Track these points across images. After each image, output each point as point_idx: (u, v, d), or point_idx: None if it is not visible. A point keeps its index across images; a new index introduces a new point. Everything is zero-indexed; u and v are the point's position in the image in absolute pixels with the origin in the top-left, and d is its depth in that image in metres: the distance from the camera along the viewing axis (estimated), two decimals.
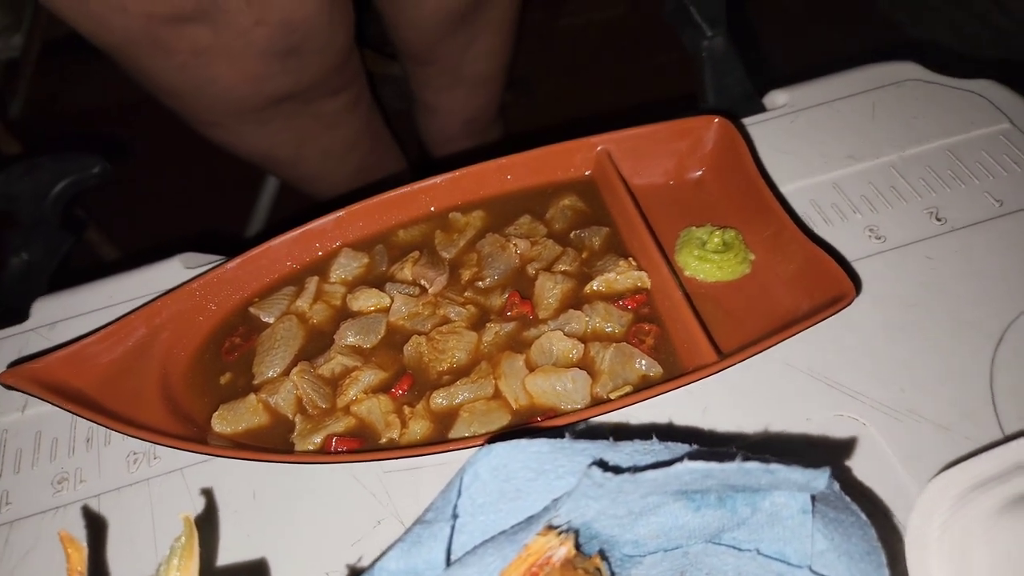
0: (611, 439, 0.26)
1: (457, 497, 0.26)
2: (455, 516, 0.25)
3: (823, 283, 0.35)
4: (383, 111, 0.86)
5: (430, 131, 0.96)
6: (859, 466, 0.33)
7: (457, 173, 0.42)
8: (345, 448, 0.34)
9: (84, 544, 0.27)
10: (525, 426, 0.32)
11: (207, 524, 0.34)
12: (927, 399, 0.34)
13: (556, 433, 0.27)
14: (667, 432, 0.34)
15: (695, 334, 0.35)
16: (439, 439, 0.34)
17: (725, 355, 0.34)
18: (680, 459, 0.24)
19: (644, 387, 0.34)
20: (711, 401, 0.35)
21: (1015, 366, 0.35)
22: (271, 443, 0.35)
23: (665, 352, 0.36)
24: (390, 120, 0.88)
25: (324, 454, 0.34)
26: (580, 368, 0.35)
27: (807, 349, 0.36)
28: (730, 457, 0.24)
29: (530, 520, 0.25)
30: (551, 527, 0.24)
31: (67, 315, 0.42)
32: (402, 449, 0.33)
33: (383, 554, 0.25)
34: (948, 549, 0.27)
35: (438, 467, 0.34)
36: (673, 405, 0.35)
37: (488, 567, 0.23)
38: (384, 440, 0.35)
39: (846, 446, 0.33)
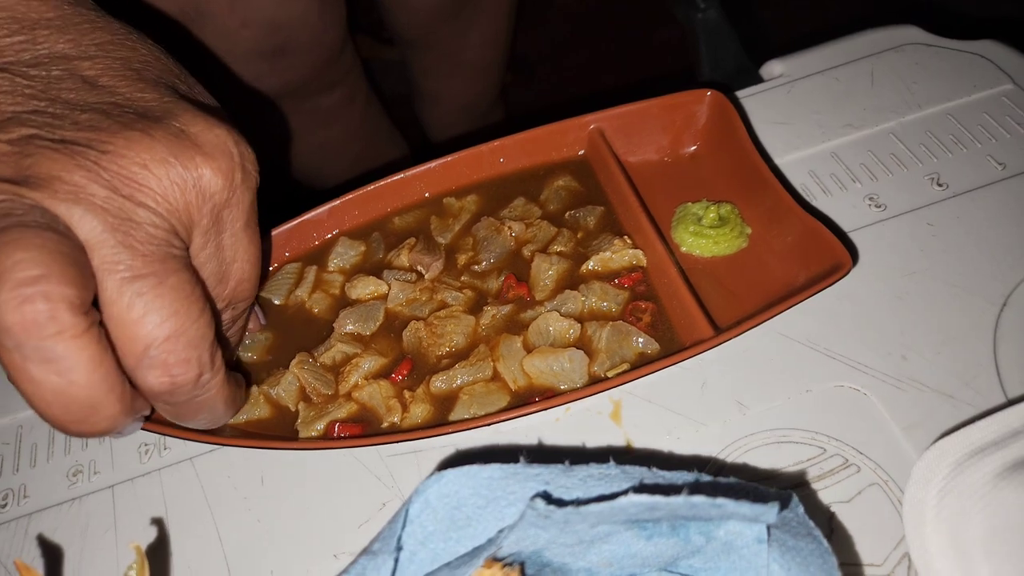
0: (567, 463, 0.26)
1: (403, 527, 0.26)
2: (399, 548, 0.25)
3: (820, 254, 0.35)
4: (382, 99, 0.86)
5: (430, 118, 0.96)
6: (860, 436, 0.33)
7: (450, 158, 0.42)
8: (348, 433, 0.35)
9: (40, 570, 0.27)
10: (523, 406, 0.33)
11: (217, 511, 0.34)
12: (929, 367, 0.34)
13: (512, 457, 0.27)
14: (623, 454, 0.33)
15: (692, 310, 0.35)
16: (440, 422, 0.35)
17: (722, 330, 0.33)
18: (626, 492, 0.23)
19: (641, 364, 0.34)
20: (709, 376, 0.35)
21: (1019, 332, 0.35)
22: (276, 432, 0.36)
23: (662, 329, 0.36)
24: (391, 106, 0.88)
25: (328, 440, 0.35)
26: (577, 348, 0.35)
27: (806, 321, 0.36)
28: (679, 489, 0.23)
29: (473, 552, 0.25)
30: (496, 559, 0.24)
31: None
32: (404, 433, 0.33)
33: None
34: (946, 516, 0.27)
35: (439, 449, 0.35)
36: (671, 382, 0.35)
37: None
38: (386, 424, 0.35)
39: (846, 416, 0.33)
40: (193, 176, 0.27)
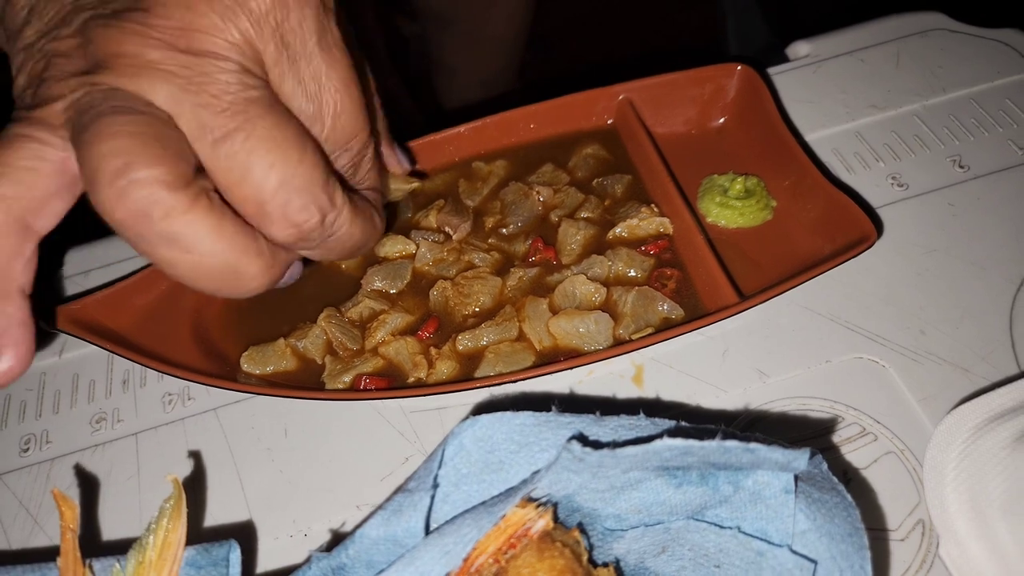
0: (597, 413, 0.27)
1: (439, 467, 0.26)
2: (435, 486, 0.26)
3: (845, 227, 0.36)
4: (400, 73, 0.86)
5: (449, 92, 0.96)
6: (878, 406, 0.33)
7: (481, 122, 0.42)
8: (374, 387, 0.35)
9: (76, 502, 0.27)
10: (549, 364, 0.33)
11: (240, 461, 0.35)
12: (947, 342, 0.35)
13: (543, 408, 0.27)
14: (654, 406, 0.34)
15: (717, 277, 0.35)
16: (465, 377, 0.35)
17: (747, 296, 0.34)
18: (660, 435, 0.24)
19: (665, 328, 0.34)
20: (731, 345, 0.36)
21: None
22: (302, 384, 0.36)
23: (687, 296, 0.37)
24: (408, 81, 0.88)
25: (355, 391, 0.35)
26: (603, 311, 0.36)
27: (828, 294, 0.37)
28: (711, 435, 0.24)
29: (509, 492, 0.25)
30: (530, 499, 0.25)
31: (100, 264, 0.43)
32: (430, 387, 0.34)
33: (364, 521, 0.26)
34: (965, 478, 0.28)
35: (463, 407, 0.35)
36: (693, 347, 0.36)
37: (464, 537, 0.24)
38: (412, 380, 0.35)
39: (864, 387, 0.34)
40: (238, 2, 0.23)
